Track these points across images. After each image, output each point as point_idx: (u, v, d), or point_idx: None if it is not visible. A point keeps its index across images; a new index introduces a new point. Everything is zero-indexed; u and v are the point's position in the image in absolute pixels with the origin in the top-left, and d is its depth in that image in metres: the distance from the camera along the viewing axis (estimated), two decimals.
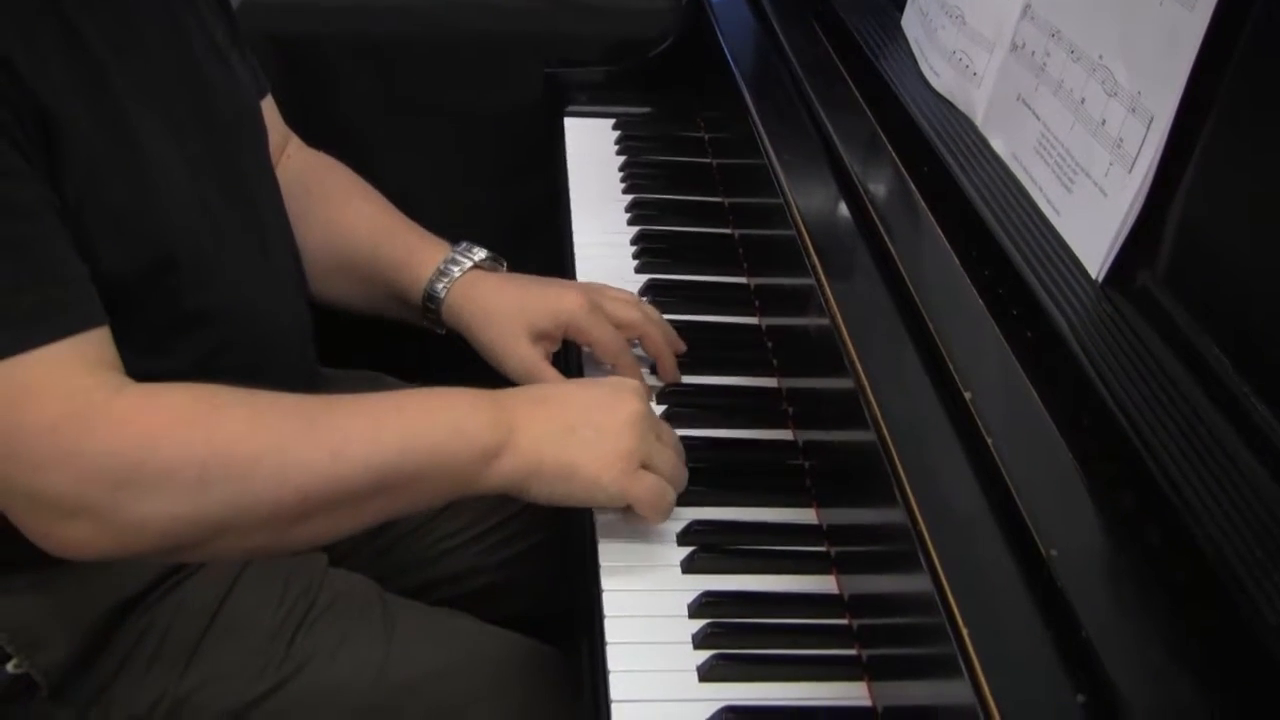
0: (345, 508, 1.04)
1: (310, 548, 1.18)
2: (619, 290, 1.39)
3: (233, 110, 1.28)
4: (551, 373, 1.31)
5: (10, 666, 1.16)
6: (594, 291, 1.36)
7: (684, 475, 1.14)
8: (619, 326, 1.32)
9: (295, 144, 1.54)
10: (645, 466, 1.10)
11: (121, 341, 1.07)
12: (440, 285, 1.36)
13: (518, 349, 1.31)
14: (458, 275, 1.36)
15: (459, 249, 1.39)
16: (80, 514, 0.98)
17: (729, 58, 1.58)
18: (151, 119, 1.12)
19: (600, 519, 1.14)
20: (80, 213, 1.04)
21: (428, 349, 1.46)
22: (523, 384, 1.30)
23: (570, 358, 1.37)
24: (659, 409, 1.30)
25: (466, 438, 1.07)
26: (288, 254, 1.36)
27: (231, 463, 1.00)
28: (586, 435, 1.08)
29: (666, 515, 1.12)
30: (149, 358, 1.11)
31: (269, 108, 1.45)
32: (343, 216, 1.46)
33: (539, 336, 1.32)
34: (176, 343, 1.16)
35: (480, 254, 1.39)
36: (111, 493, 0.98)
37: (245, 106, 1.33)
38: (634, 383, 1.17)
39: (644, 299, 1.44)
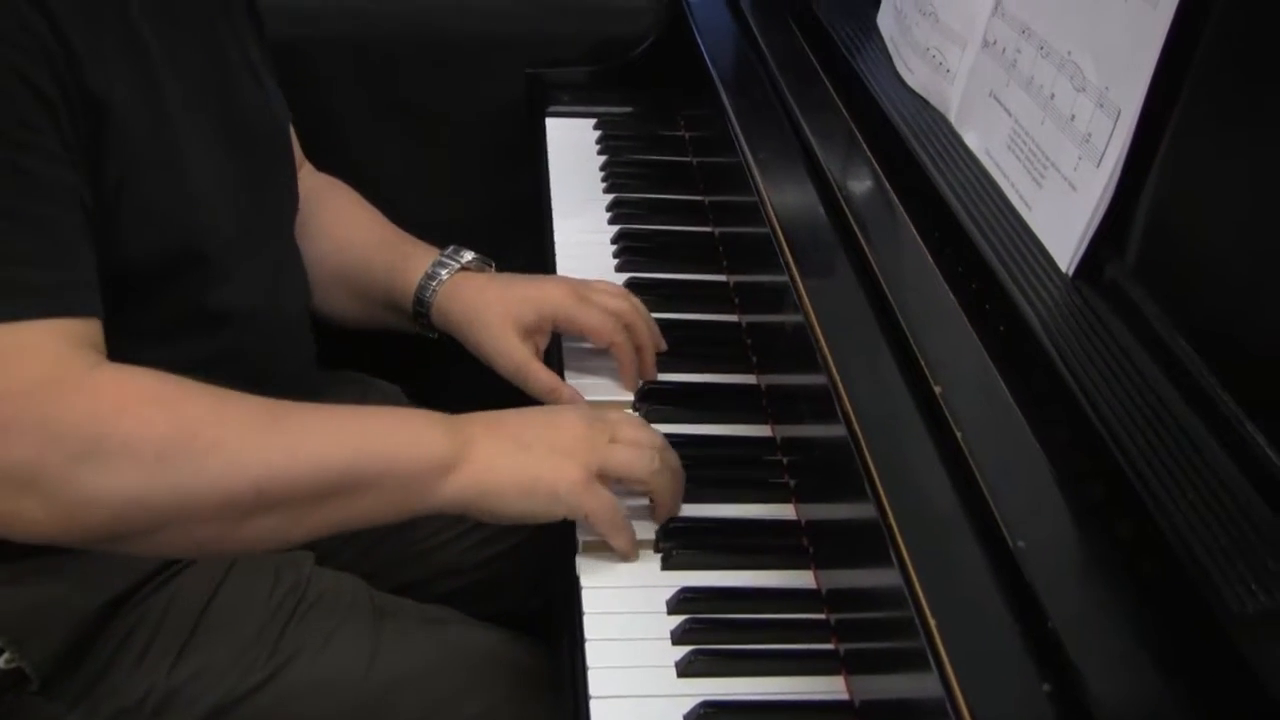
0: (297, 508, 1.05)
1: (257, 550, 1.19)
2: (606, 283, 1.41)
3: (265, 126, 1.33)
4: (541, 369, 1.32)
5: (1, 660, 1.17)
6: (580, 284, 1.38)
7: (649, 466, 1.13)
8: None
9: (308, 169, 1.57)
10: (602, 476, 1.11)
11: (139, 330, 1.11)
12: (429, 289, 1.39)
13: (506, 346, 1.33)
14: (445, 278, 1.39)
15: (447, 253, 1.41)
16: (32, 486, 0.98)
17: (706, 57, 1.58)
18: (194, 123, 1.17)
19: None
20: (118, 199, 1.07)
21: (416, 352, 1.47)
22: (513, 380, 1.33)
23: (553, 355, 1.38)
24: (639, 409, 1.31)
25: (422, 448, 1.08)
26: (299, 266, 1.40)
27: (192, 445, 1.01)
28: (540, 450, 1.10)
29: (622, 531, 1.12)
30: (164, 347, 1.14)
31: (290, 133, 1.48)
32: (341, 229, 1.49)
33: (527, 332, 1.33)
34: (193, 336, 1.19)
35: (467, 256, 1.41)
36: (69, 464, 0.98)
37: (276, 123, 1.38)
38: (574, 404, 1.21)
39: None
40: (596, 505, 1.10)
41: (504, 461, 1.09)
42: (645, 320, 1.36)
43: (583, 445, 1.11)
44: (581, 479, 1.09)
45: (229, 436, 1.03)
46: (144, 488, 1.00)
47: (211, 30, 1.25)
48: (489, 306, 1.35)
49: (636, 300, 1.38)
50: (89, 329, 1.04)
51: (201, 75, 1.21)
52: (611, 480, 1.12)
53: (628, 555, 1.12)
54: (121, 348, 1.09)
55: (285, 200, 1.38)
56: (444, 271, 1.39)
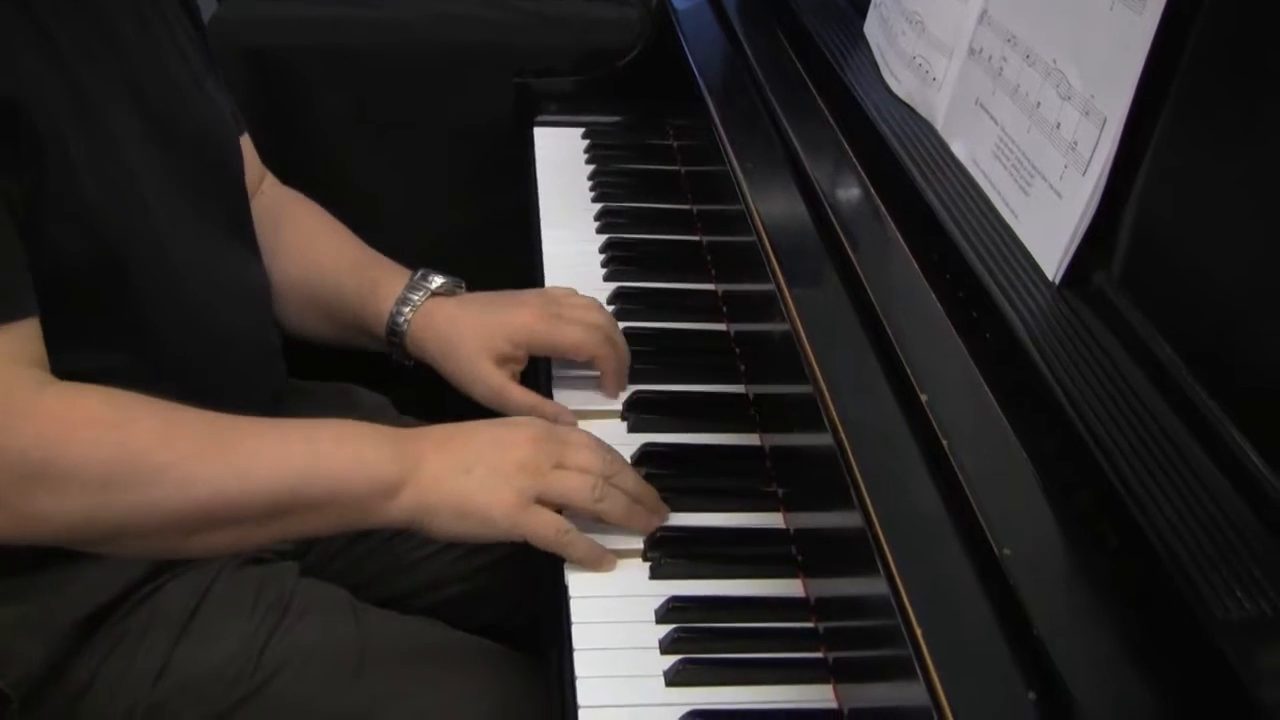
0: (244, 525, 1.07)
1: (210, 556, 1.21)
2: (577, 295, 1.40)
3: (208, 131, 1.31)
4: (517, 390, 1.32)
5: None
6: (552, 302, 1.37)
7: (589, 495, 1.13)
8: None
9: (270, 181, 1.56)
10: (542, 501, 1.11)
11: (75, 340, 1.10)
12: (400, 320, 1.38)
13: (481, 375, 1.33)
14: (417, 305, 1.38)
15: (416, 278, 1.40)
16: None
17: (693, 65, 1.58)
18: (124, 125, 1.16)
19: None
20: (39, 199, 1.07)
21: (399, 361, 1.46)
22: (492, 405, 1.33)
23: (540, 374, 1.38)
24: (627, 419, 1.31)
25: (368, 470, 1.09)
26: (257, 275, 1.39)
27: (138, 470, 1.03)
28: (480, 473, 1.11)
29: (571, 547, 1.12)
30: (100, 357, 1.14)
31: (246, 146, 1.47)
32: (310, 251, 1.48)
33: (501, 360, 1.33)
34: (132, 349, 1.18)
35: (437, 281, 1.40)
36: (20, 485, 1.01)
37: (221, 130, 1.36)
38: (531, 421, 1.20)
39: (611, 307, 1.45)
40: (534, 526, 1.11)
41: (445, 483, 1.10)
42: (616, 343, 1.36)
43: (523, 470, 1.12)
44: (516, 503, 1.10)
45: (176, 461, 1.04)
46: (91, 509, 1.03)
47: (149, 43, 1.23)
48: (462, 338, 1.35)
49: (609, 318, 1.38)
50: (28, 333, 1.05)
51: (134, 81, 1.19)
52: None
53: (595, 568, 1.12)
54: (59, 359, 1.09)
55: (234, 204, 1.36)
56: (414, 299, 1.38)
